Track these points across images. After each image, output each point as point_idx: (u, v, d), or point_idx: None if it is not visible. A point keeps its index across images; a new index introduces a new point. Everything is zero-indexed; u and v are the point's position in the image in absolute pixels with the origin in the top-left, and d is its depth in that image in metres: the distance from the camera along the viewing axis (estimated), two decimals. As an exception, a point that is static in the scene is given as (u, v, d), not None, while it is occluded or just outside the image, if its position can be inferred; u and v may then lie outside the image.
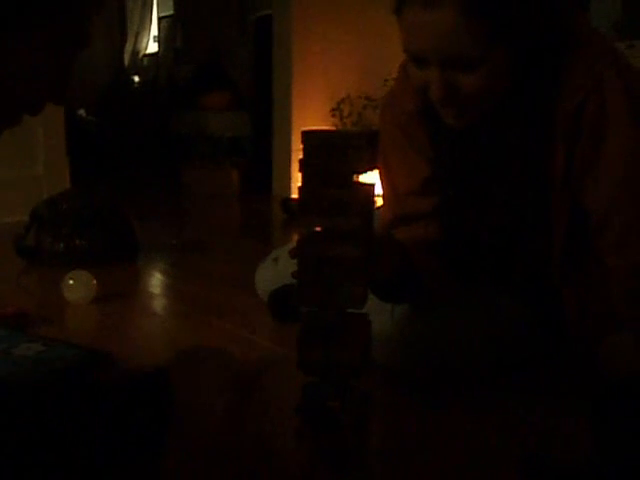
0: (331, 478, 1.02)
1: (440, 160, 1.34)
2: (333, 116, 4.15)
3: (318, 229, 0.99)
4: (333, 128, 3.92)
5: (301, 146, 0.96)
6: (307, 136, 0.98)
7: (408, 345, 1.32)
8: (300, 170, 0.98)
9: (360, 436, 1.05)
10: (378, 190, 1.09)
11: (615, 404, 1.02)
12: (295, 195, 3.92)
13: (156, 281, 2.33)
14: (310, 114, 4.13)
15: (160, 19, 7.04)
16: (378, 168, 1.35)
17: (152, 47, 7.24)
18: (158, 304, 2.05)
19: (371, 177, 1.02)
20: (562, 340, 1.37)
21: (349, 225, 0.97)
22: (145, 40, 7.25)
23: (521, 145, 1.27)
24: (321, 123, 4.06)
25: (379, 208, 1.37)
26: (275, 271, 1.79)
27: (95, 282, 1.90)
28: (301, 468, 1.05)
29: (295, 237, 1.78)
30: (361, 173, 0.97)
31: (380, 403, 1.13)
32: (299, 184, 0.99)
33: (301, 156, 0.98)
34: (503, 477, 1.03)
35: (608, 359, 1.29)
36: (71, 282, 1.89)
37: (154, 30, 7.18)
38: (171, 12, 6.77)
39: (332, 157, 0.96)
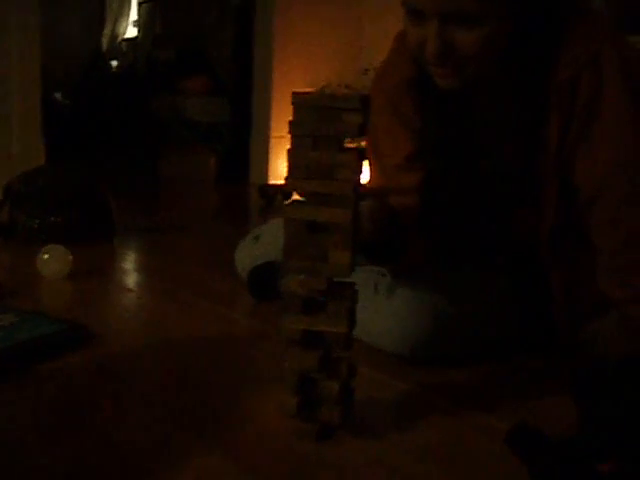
0: (314, 450, 1.01)
1: (427, 131, 1.31)
2: (313, 103, 4.13)
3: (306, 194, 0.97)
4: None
5: (280, 133, 0.95)
6: (298, 97, 0.96)
7: (407, 333, 1.29)
8: (289, 132, 0.96)
9: (345, 408, 1.03)
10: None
11: (597, 384, 1.03)
12: (272, 182, 3.90)
13: (132, 259, 2.30)
14: (290, 101, 4.10)
15: (140, 4, 6.97)
16: (366, 139, 1.33)
17: (131, 32, 7.18)
18: (134, 281, 2.02)
19: (361, 141, 1.00)
20: (549, 322, 1.36)
21: (338, 190, 0.95)
22: (124, 25, 7.18)
23: (513, 114, 1.25)
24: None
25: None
26: (255, 249, 1.76)
27: (71, 257, 1.87)
28: (284, 440, 1.03)
29: (273, 221, 1.77)
30: (352, 137, 0.95)
31: (362, 376, 1.11)
32: (288, 147, 0.96)
33: (287, 138, 0.95)
34: (488, 451, 1.02)
35: (592, 341, 1.28)
36: (46, 256, 1.85)
37: (133, 15, 7.11)
38: (151, -3, 6.71)
39: (323, 120, 0.94)
